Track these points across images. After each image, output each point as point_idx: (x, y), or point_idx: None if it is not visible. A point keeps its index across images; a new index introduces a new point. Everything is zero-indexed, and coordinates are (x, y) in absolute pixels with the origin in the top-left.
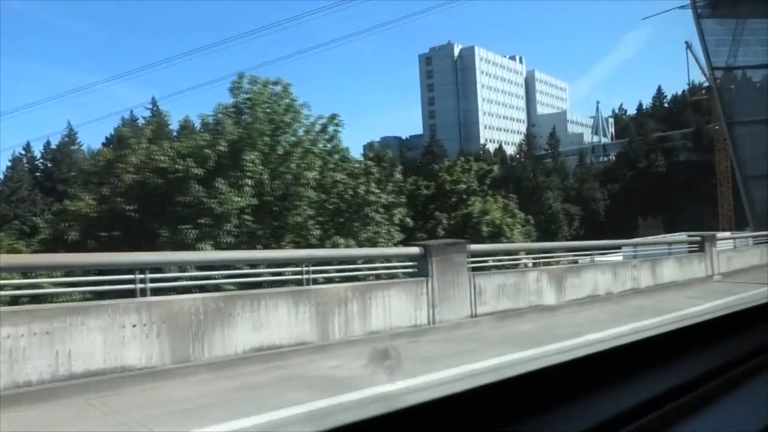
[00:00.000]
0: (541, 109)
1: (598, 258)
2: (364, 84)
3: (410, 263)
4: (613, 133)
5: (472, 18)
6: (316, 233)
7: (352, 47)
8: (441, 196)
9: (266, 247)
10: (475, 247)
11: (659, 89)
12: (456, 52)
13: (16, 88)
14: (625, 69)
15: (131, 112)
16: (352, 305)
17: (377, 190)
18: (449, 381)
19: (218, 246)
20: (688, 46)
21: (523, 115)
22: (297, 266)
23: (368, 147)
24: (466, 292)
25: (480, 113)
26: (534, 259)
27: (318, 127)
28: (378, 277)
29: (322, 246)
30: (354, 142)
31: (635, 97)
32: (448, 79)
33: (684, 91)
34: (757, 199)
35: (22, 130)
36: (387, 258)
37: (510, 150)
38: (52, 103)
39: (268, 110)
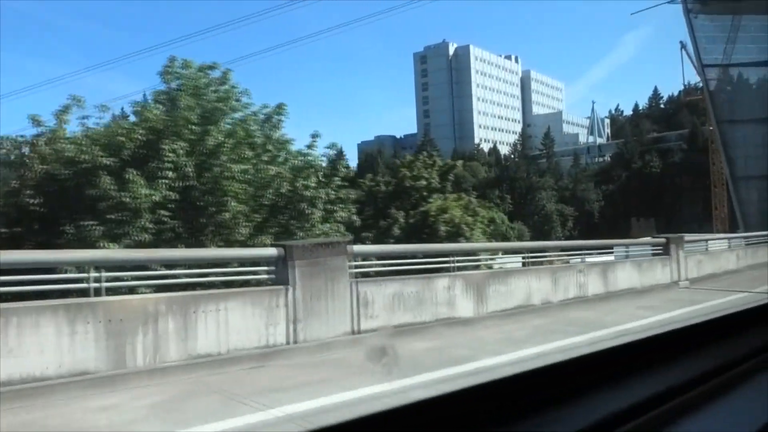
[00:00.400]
0: (536, 109)
1: (587, 259)
2: (360, 84)
3: (265, 268)
4: (609, 134)
5: (468, 18)
6: (244, 231)
7: (348, 47)
8: (401, 193)
9: (189, 246)
10: (360, 248)
11: (655, 90)
12: (451, 51)
13: (14, 83)
14: (624, 70)
15: (122, 108)
16: (165, 322)
17: (313, 184)
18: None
19: (133, 245)
20: (683, 46)
21: (518, 115)
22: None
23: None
24: (345, 304)
25: (475, 112)
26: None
27: (261, 117)
28: (230, 284)
29: (249, 245)
30: (349, 142)
31: (634, 99)
32: (442, 78)
33: (680, 91)
34: (747, 200)
35: (12, 123)
36: (230, 261)
37: (505, 150)
38: (44, 97)
39: (206, 97)
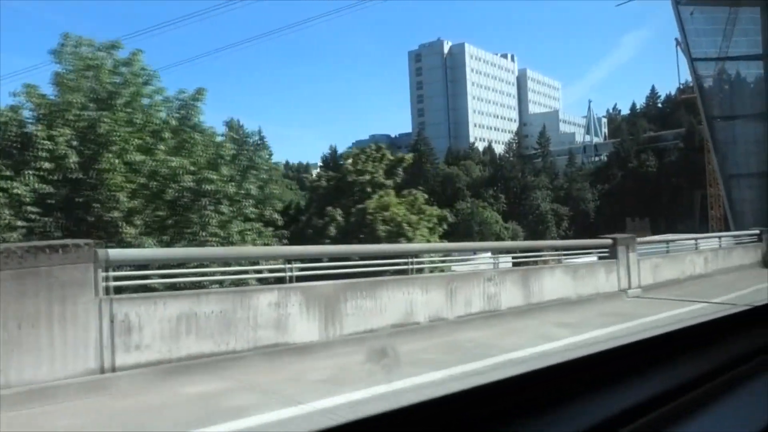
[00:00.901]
0: (533, 108)
1: (570, 260)
2: (357, 83)
3: None
4: (606, 134)
5: (464, 17)
6: (131, 231)
7: (345, 47)
8: (344, 189)
9: None
10: (119, 252)
11: (653, 89)
12: (446, 49)
13: None
14: (624, 70)
15: None
16: None
17: (215, 177)
18: None
19: None
20: (678, 44)
21: (514, 114)
22: None
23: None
24: (86, 331)
25: (470, 111)
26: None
27: (177, 103)
28: None
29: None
30: (345, 141)
31: (635, 99)
32: (437, 76)
33: (677, 89)
34: (739, 199)
35: None
36: None
37: (500, 149)
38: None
39: (107, 80)
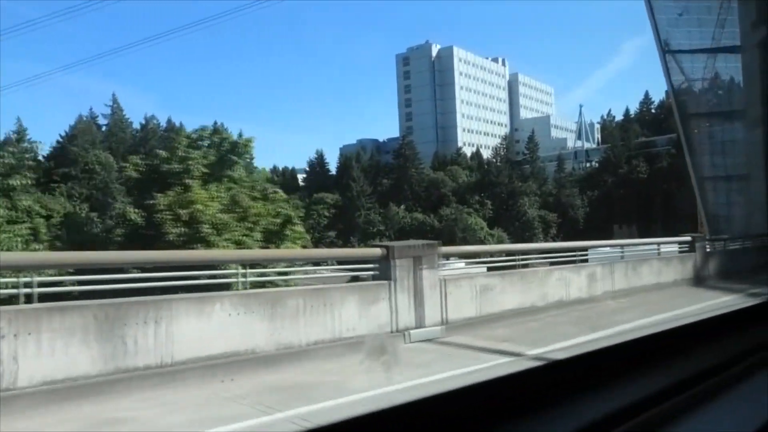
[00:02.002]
0: (525, 114)
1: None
2: (346, 86)
3: None
4: (599, 139)
5: (455, 20)
6: None
7: (337, 49)
8: (159, 181)
9: None
10: None
11: (647, 95)
12: (434, 52)
13: None
14: (623, 76)
15: (90, 108)
16: None
17: None
18: None
19: None
20: (666, 44)
21: (505, 119)
22: None
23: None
24: None
25: (458, 116)
26: None
27: None
28: None
29: None
30: (333, 145)
31: (631, 105)
32: (425, 80)
33: (666, 92)
34: (716, 203)
35: None
36: None
37: (488, 154)
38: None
39: None
